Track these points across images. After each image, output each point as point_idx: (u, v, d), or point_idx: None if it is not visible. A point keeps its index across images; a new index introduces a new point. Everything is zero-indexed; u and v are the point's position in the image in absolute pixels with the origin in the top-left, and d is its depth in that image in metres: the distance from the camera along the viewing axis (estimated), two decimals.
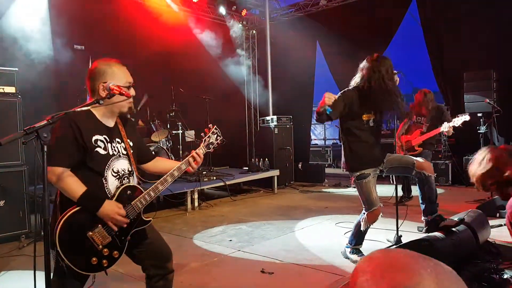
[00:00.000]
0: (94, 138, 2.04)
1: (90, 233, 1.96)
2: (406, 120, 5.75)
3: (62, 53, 6.32)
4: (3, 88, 4.40)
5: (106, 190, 2.06)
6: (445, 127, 5.02)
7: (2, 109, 4.35)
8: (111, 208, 1.98)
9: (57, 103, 6.43)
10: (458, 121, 5.01)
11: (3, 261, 3.93)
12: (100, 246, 1.98)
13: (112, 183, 2.08)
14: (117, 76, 2.09)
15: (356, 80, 3.51)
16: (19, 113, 4.45)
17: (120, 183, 2.11)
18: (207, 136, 2.38)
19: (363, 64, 3.47)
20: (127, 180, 2.16)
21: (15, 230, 4.40)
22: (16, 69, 4.59)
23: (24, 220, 4.46)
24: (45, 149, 1.64)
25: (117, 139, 2.15)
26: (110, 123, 2.16)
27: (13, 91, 4.47)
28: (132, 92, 2.15)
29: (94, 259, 1.97)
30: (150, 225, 2.26)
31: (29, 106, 4.82)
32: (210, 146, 2.39)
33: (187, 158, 2.27)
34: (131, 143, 2.22)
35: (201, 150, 2.32)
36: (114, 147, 2.12)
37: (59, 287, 2.00)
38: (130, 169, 2.18)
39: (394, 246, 3.79)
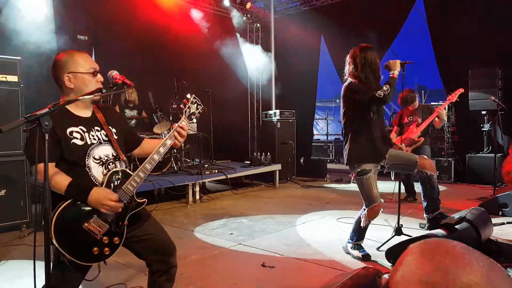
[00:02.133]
0: (68, 130, 2.00)
1: (86, 224, 1.92)
2: (396, 128, 5.84)
3: (65, 43, 6.29)
4: (5, 77, 4.38)
5: (92, 178, 2.01)
6: (439, 111, 5.13)
7: (5, 98, 4.33)
8: (101, 194, 1.93)
9: (60, 93, 6.41)
10: (454, 97, 5.05)
11: (4, 250, 3.93)
12: (99, 236, 1.96)
13: (96, 171, 2.03)
14: (80, 63, 2.04)
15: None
16: (21, 102, 4.44)
17: (105, 169, 2.07)
18: (187, 107, 2.28)
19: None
20: (113, 165, 2.11)
21: (16, 220, 4.40)
22: (19, 58, 4.58)
23: (25, 209, 4.46)
24: (47, 137, 1.62)
25: (96, 128, 2.11)
26: (86, 113, 2.11)
27: (15, 79, 4.45)
28: (99, 77, 2.09)
29: (95, 249, 1.95)
30: (152, 220, 2.25)
31: (32, 96, 4.80)
32: (192, 116, 2.29)
33: (171, 132, 2.20)
34: (114, 130, 2.17)
35: (183, 122, 2.23)
36: (93, 135, 2.07)
37: (60, 281, 1.98)
38: (114, 154, 2.13)
39: (395, 236, 3.78)
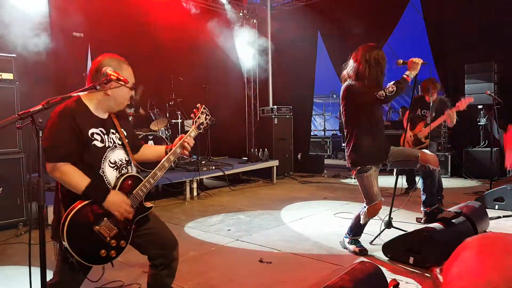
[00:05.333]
0: (90, 131, 2.02)
1: (97, 227, 1.96)
2: (407, 113, 5.71)
3: (61, 41, 6.26)
4: (0, 75, 4.35)
5: (106, 181, 2.06)
6: (449, 113, 5.04)
7: (0, 96, 4.30)
8: (118, 198, 1.99)
9: (56, 90, 6.38)
10: (463, 105, 4.97)
11: (0, 248, 3.92)
12: (108, 238, 2.00)
13: (110, 174, 2.08)
14: (126, 76, 2.04)
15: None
16: (17, 100, 4.41)
17: (118, 173, 2.11)
18: (197, 117, 2.36)
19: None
20: (126, 170, 2.15)
21: (13, 218, 4.38)
22: (14, 55, 4.54)
23: (22, 207, 4.44)
24: (40, 134, 1.61)
25: (111, 130, 2.15)
26: (104, 115, 2.14)
27: (11, 77, 4.41)
28: (132, 93, 2.16)
29: (103, 251, 1.99)
30: (154, 215, 2.29)
31: (27, 93, 4.77)
32: (201, 126, 2.38)
33: (180, 141, 2.27)
34: (125, 133, 2.22)
35: (192, 132, 2.32)
36: (110, 138, 2.11)
37: (68, 279, 2.02)
38: (127, 159, 2.18)
39: (385, 229, 3.79)
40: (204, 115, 2.38)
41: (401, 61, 3.37)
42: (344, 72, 3.51)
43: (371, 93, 3.25)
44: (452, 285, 0.71)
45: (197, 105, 2.38)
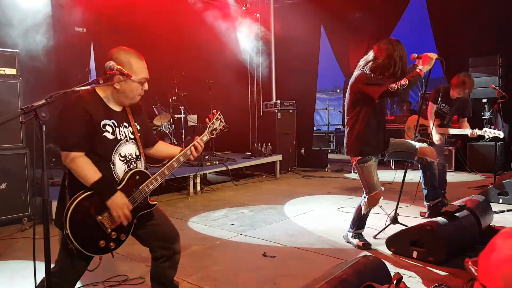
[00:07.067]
0: (102, 122, 2.03)
1: (100, 217, 1.98)
2: (432, 105, 5.17)
3: (64, 36, 6.26)
4: (4, 70, 4.35)
5: (114, 174, 2.07)
6: (473, 133, 4.86)
7: (3, 91, 4.30)
8: (121, 201, 2.00)
9: (59, 85, 6.40)
10: (489, 133, 4.80)
11: (6, 243, 3.95)
12: (109, 230, 2.02)
13: (119, 167, 2.09)
14: (134, 70, 2.04)
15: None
16: (20, 95, 4.41)
17: (127, 167, 2.13)
18: (211, 122, 2.40)
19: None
20: (135, 165, 2.17)
21: (17, 213, 4.40)
22: (17, 51, 4.55)
23: (26, 203, 4.46)
24: (44, 129, 1.62)
25: (124, 123, 2.15)
26: (118, 107, 2.15)
27: (14, 72, 4.42)
28: (145, 86, 2.14)
29: (102, 242, 2.01)
30: (156, 208, 2.30)
31: (30, 88, 4.78)
32: (214, 132, 2.42)
33: (191, 145, 2.30)
34: (138, 127, 2.22)
35: (205, 137, 2.35)
36: (121, 131, 2.12)
37: (67, 266, 2.04)
38: (137, 153, 2.19)
39: (390, 225, 3.79)
40: (218, 121, 2.43)
41: (415, 55, 3.34)
42: (362, 62, 3.45)
43: (385, 85, 3.22)
44: (491, 273, 0.71)
45: (213, 111, 2.43)
